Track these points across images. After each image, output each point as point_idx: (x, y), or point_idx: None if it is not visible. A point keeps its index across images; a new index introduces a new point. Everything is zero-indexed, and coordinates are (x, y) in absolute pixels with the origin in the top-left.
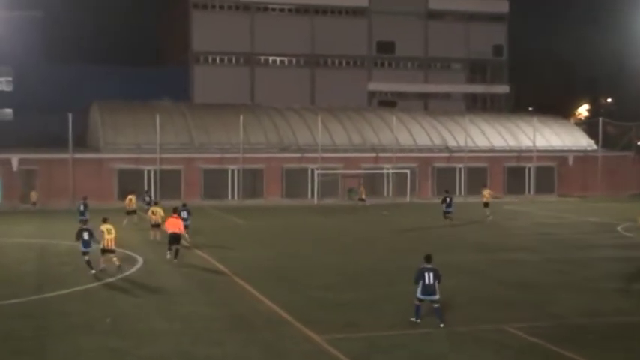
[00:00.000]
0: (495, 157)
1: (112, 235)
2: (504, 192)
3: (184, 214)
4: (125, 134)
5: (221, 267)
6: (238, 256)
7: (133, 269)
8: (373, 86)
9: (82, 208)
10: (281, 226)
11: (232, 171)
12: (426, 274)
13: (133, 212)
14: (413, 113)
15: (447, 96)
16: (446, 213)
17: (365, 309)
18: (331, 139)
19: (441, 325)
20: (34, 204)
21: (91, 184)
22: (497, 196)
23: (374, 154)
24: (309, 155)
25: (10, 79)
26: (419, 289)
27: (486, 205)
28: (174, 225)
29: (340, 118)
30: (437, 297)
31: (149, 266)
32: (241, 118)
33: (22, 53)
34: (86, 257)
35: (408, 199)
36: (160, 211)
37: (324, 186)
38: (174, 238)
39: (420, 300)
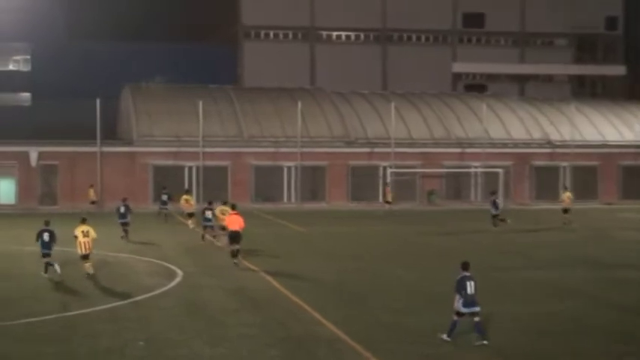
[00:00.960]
0: (608, 153)
1: (89, 238)
2: (619, 196)
3: (209, 214)
4: (162, 124)
5: (274, 282)
6: (295, 269)
7: (172, 284)
8: (458, 67)
9: (122, 209)
10: (346, 234)
11: (288, 168)
12: (468, 284)
13: (191, 214)
14: (506, 100)
15: (548, 79)
16: (494, 217)
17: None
18: (407, 131)
19: (485, 342)
20: (94, 203)
21: (121, 183)
22: (567, 205)
23: (459, 150)
24: (381, 150)
25: (28, 57)
26: (460, 301)
27: (566, 211)
28: (235, 222)
29: (418, 105)
30: (479, 309)
31: (189, 280)
32: (299, 105)
33: (42, 28)
34: (45, 259)
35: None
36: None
37: (398, 187)
38: (235, 237)
39: (461, 314)
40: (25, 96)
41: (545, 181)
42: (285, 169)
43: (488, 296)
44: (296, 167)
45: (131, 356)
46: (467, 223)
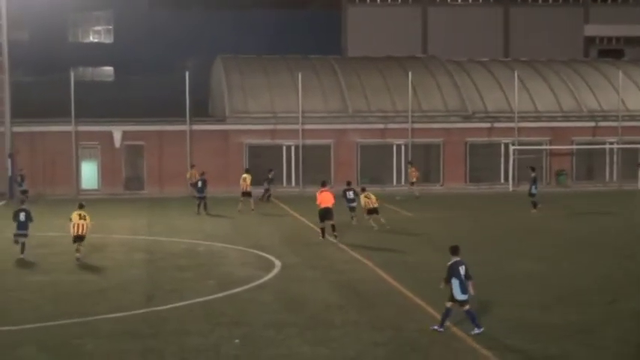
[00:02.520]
0: None
1: (86, 222)
2: None
3: (350, 194)
4: (258, 99)
5: (383, 274)
6: (406, 260)
7: (269, 276)
8: (591, 30)
9: (199, 184)
10: (464, 220)
11: (398, 146)
12: (461, 269)
13: (248, 194)
14: None
15: None
16: (532, 195)
17: (576, 335)
18: (532, 104)
19: (481, 330)
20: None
21: (213, 164)
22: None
23: (592, 124)
24: (502, 125)
25: (111, 27)
26: (456, 288)
27: None
28: (326, 199)
29: (545, 74)
30: (468, 297)
31: (289, 272)
32: (410, 75)
33: None
34: (21, 240)
35: (639, 185)
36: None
37: (522, 167)
38: (326, 213)
39: (455, 301)
40: (108, 70)
41: None
42: (395, 148)
43: (620, 288)
44: (406, 145)
45: (226, 355)
46: (601, 207)
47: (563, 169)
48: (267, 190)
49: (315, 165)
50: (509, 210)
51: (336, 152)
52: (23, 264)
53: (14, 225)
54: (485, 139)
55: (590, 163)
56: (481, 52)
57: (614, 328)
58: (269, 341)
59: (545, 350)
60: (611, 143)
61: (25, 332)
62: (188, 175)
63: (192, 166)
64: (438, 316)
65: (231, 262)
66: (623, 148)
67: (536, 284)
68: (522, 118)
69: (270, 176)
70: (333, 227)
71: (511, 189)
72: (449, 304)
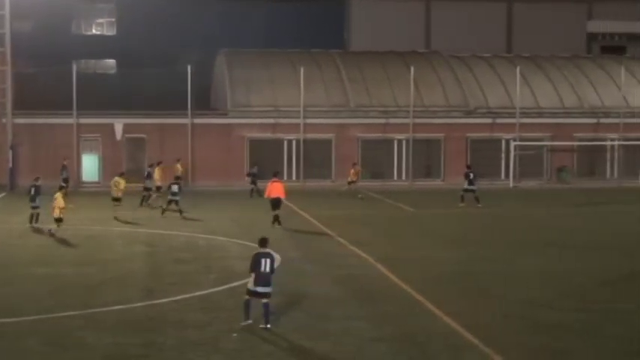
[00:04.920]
0: None
1: (55, 204)
2: None
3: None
4: (260, 93)
5: (384, 270)
6: (407, 256)
7: None
8: (594, 26)
9: (174, 188)
10: (466, 216)
11: (399, 142)
12: (263, 261)
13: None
14: None
15: None
16: (466, 191)
17: (579, 332)
18: (534, 99)
19: (268, 326)
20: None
21: (214, 158)
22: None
23: (594, 120)
24: (504, 121)
25: (113, 20)
26: (251, 280)
27: None
28: (275, 189)
29: (547, 70)
30: (270, 290)
31: (289, 266)
32: (412, 70)
33: None
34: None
35: None
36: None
37: (523, 163)
38: (275, 204)
39: (252, 294)
40: (110, 63)
41: None
42: (396, 143)
43: (624, 286)
44: (408, 140)
45: (224, 349)
46: (604, 204)
47: (565, 165)
48: (253, 188)
49: (317, 159)
50: (512, 205)
51: (337, 147)
52: (26, 255)
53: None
54: (487, 134)
55: (591, 159)
56: (484, 48)
57: (615, 325)
58: (268, 335)
59: (548, 346)
60: (613, 140)
61: (27, 324)
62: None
63: (177, 161)
64: (439, 312)
65: (232, 255)
66: (624, 145)
67: (538, 280)
68: (524, 114)
69: (253, 171)
70: (277, 217)
71: (512, 185)
72: (246, 296)
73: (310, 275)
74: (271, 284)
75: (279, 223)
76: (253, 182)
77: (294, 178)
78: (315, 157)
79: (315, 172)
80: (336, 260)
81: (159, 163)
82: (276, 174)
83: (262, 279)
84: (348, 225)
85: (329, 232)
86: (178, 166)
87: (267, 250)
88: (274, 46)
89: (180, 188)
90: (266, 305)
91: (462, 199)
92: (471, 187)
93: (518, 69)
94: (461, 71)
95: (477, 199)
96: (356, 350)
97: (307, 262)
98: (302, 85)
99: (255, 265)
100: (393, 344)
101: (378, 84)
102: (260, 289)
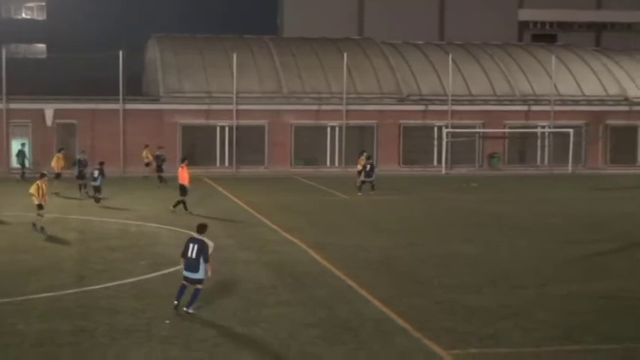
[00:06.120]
0: None
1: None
2: None
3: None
4: (192, 79)
5: (317, 256)
6: (340, 242)
7: None
8: (525, 14)
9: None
10: (397, 203)
11: (333, 128)
12: (190, 247)
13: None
14: (579, 51)
15: (626, 27)
16: (364, 182)
17: (508, 317)
18: (466, 87)
19: (190, 311)
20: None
21: (146, 144)
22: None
23: (525, 108)
24: (436, 108)
25: (43, 4)
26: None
27: None
28: (181, 176)
29: (479, 57)
30: (199, 277)
31: (222, 253)
32: (345, 57)
33: None
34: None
35: (570, 169)
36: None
37: (455, 150)
38: (180, 189)
39: (184, 278)
40: (40, 47)
41: (622, 143)
42: (329, 130)
43: (554, 272)
44: (341, 127)
45: (157, 335)
46: (533, 190)
47: (496, 152)
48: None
49: (250, 146)
50: (443, 192)
51: (271, 133)
52: None
53: None
54: (420, 121)
55: (522, 146)
56: (416, 35)
57: (544, 310)
58: (201, 322)
59: (477, 331)
60: (543, 127)
61: None
62: (144, 154)
63: (145, 146)
64: (371, 298)
65: (164, 242)
66: (554, 133)
67: (469, 267)
68: (456, 102)
69: (160, 154)
70: (178, 202)
71: (444, 172)
72: (183, 280)
73: (243, 262)
74: (200, 271)
75: (173, 212)
76: (159, 168)
77: (227, 164)
78: (249, 144)
79: (248, 159)
80: (269, 247)
81: (146, 146)
82: (184, 159)
83: (188, 264)
84: (281, 212)
85: (262, 218)
86: (145, 152)
87: (200, 236)
88: (207, 31)
89: (101, 174)
90: (197, 291)
91: (360, 189)
92: (369, 179)
93: (450, 56)
94: (394, 58)
95: (373, 187)
96: (289, 336)
97: (240, 249)
98: (235, 71)
99: (184, 250)
100: (326, 329)
101: (312, 70)
102: (187, 274)
